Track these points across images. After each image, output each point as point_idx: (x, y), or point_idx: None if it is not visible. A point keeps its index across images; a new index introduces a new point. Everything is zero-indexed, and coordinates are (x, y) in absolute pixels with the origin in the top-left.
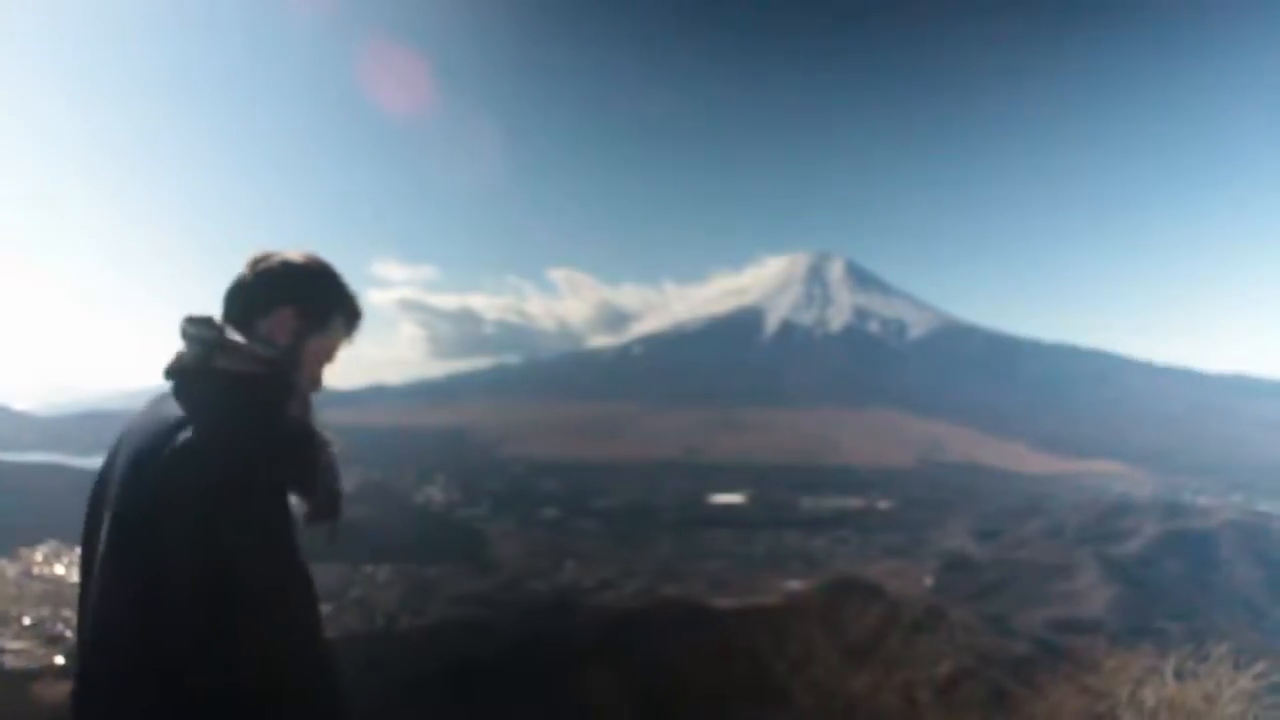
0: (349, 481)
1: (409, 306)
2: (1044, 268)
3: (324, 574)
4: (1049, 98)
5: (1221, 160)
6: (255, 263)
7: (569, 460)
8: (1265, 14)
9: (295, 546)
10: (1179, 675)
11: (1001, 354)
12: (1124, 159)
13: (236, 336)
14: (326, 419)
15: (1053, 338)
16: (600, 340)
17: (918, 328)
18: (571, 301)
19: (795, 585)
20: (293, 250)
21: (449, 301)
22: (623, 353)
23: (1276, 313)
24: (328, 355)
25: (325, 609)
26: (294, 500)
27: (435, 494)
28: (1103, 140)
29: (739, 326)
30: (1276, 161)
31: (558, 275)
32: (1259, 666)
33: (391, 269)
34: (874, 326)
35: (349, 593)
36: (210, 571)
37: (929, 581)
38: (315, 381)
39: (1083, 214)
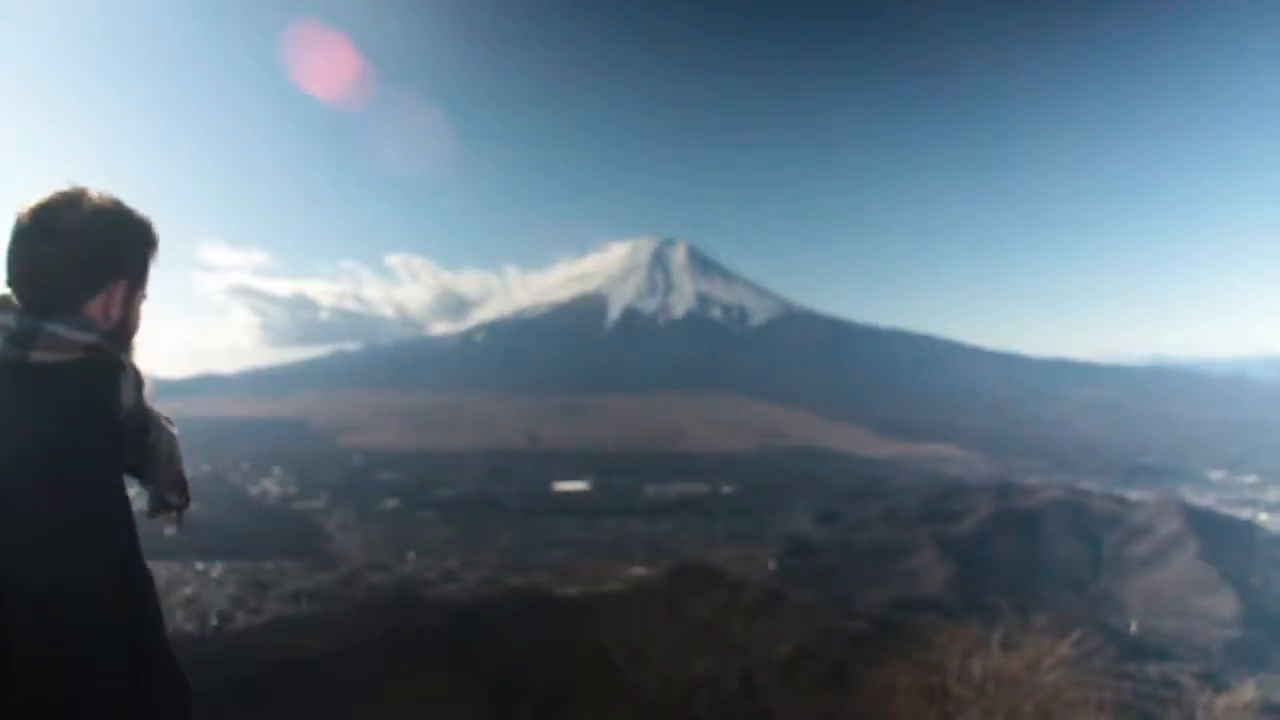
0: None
1: (240, 292)
2: (877, 255)
3: (152, 572)
4: (883, 81)
5: (1039, 149)
6: (54, 229)
7: (410, 450)
8: None
9: (136, 544)
10: (1005, 646)
11: (840, 340)
12: (949, 144)
13: (57, 326)
14: (155, 408)
15: (887, 324)
16: (441, 327)
17: (759, 314)
18: (411, 287)
19: (639, 571)
20: (85, 197)
21: (283, 287)
22: (464, 340)
23: (1092, 298)
24: (142, 302)
25: None
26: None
27: (271, 486)
28: (929, 125)
29: (582, 313)
30: (1094, 152)
31: (396, 260)
32: (1076, 634)
33: (220, 253)
34: (716, 313)
35: (180, 591)
36: (49, 580)
37: (772, 565)
38: (135, 330)
39: (913, 202)
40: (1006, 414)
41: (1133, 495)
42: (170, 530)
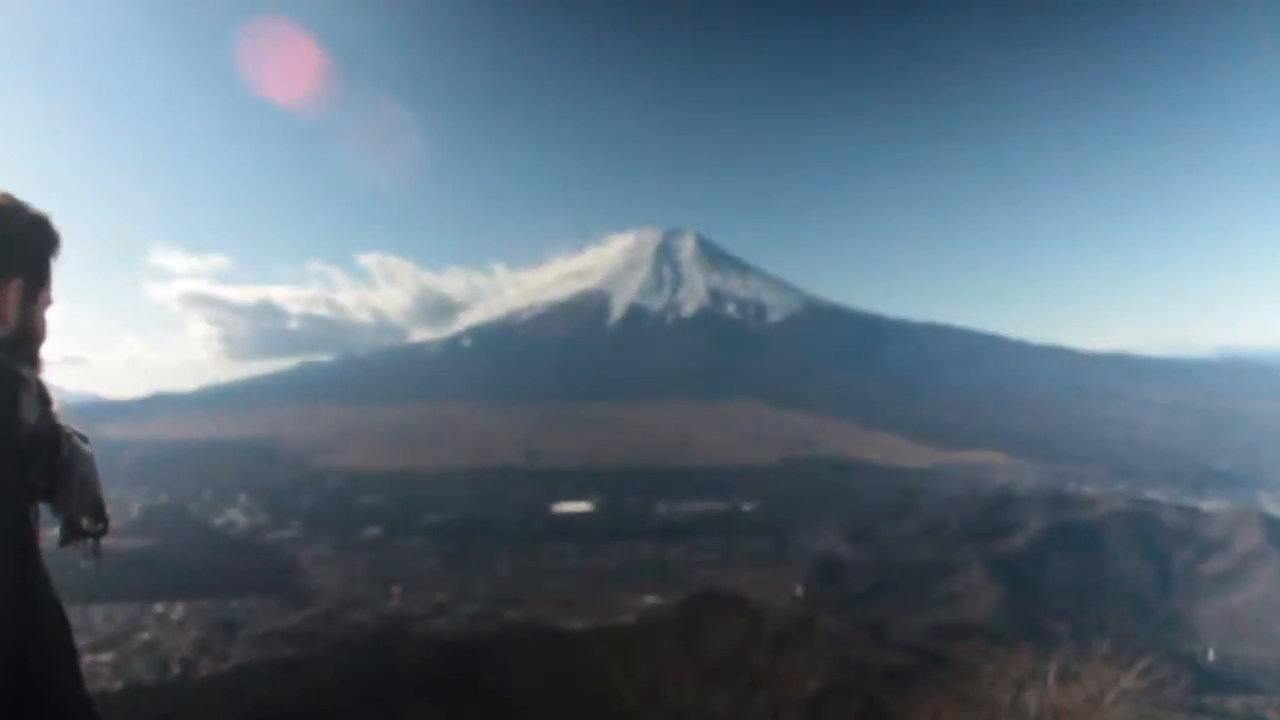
0: (134, 505)
1: (196, 301)
2: (911, 242)
3: (105, 616)
4: (918, 56)
5: (1104, 128)
6: None
7: (392, 471)
8: None
9: (37, 579)
10: (1063, 678)
11: (870, 337)
12: (987, 117)
13: None
14: (104, 433)
15: (922, 318)
16: (424, 333)
17: (779, 310)
18: (388, 290)
19: (651, 601)
20: None
21: (244, 294)
22: (450, 346)
23: (1158, 289)
24: (47, 306)
25: (106, 657)
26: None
27: (237, 516)
28: (976, 102)
29: (581, 313)
30: (1155, 127)
31: (369, 261)
32: (1144, 664)
33: (173, 258)
34: (731, 309)
35: (136, 637)
36: None
37: (798, 590)
38: (40, 339)
39: (949, 182)
40: (1059, 416)
41: (1205, 505)
42: (87, 562)
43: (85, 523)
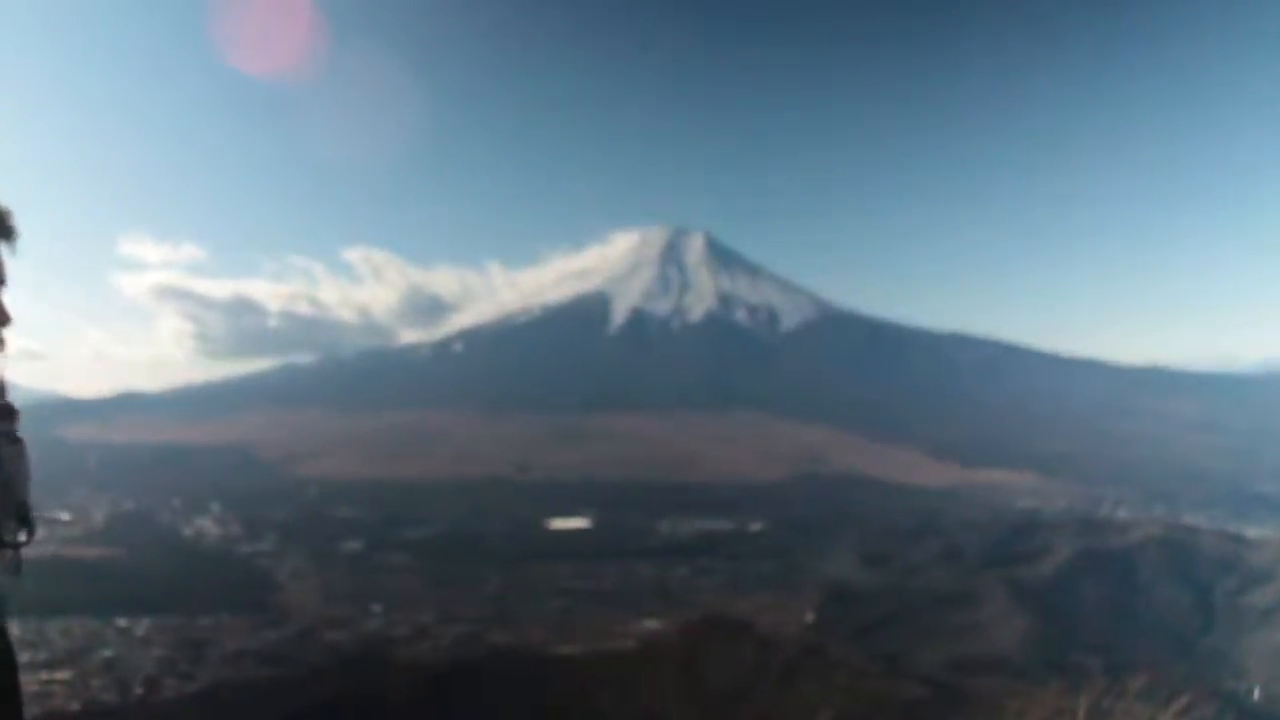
0: (98, 512)
1: (169, 294)
2: (934, 244)
3: (62, 631)
4: (946, 50)
5: (1134, 137)
6: None
7: (375, 481)
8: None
9: None
10: (1094, 715)
11: (888, 346)
12: (1013, 116)
13: None
14: (66, 434)
15: (944, 327)
16: (412, 335)
17: (792, 316)
18: (374, 287)
19: (651, 625)
20: None
21: (221, 288)
22: (440, 350)
23: (1198, 298)
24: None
25: (62, 675)
26: None
27: (208, 527)
28: (1004, 97)
29: (581, 317)
30: (1195, 144)
31: (355, 255)
32: (1182, 701)
33: (144, 248)
34: (741, 315)
35: (96, 654)
36: None
37: (809, 616)
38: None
39: (975, 184)
40: (1090, 433)
41: (1249, 532)
42: (8, 575)
43: (7, 531)
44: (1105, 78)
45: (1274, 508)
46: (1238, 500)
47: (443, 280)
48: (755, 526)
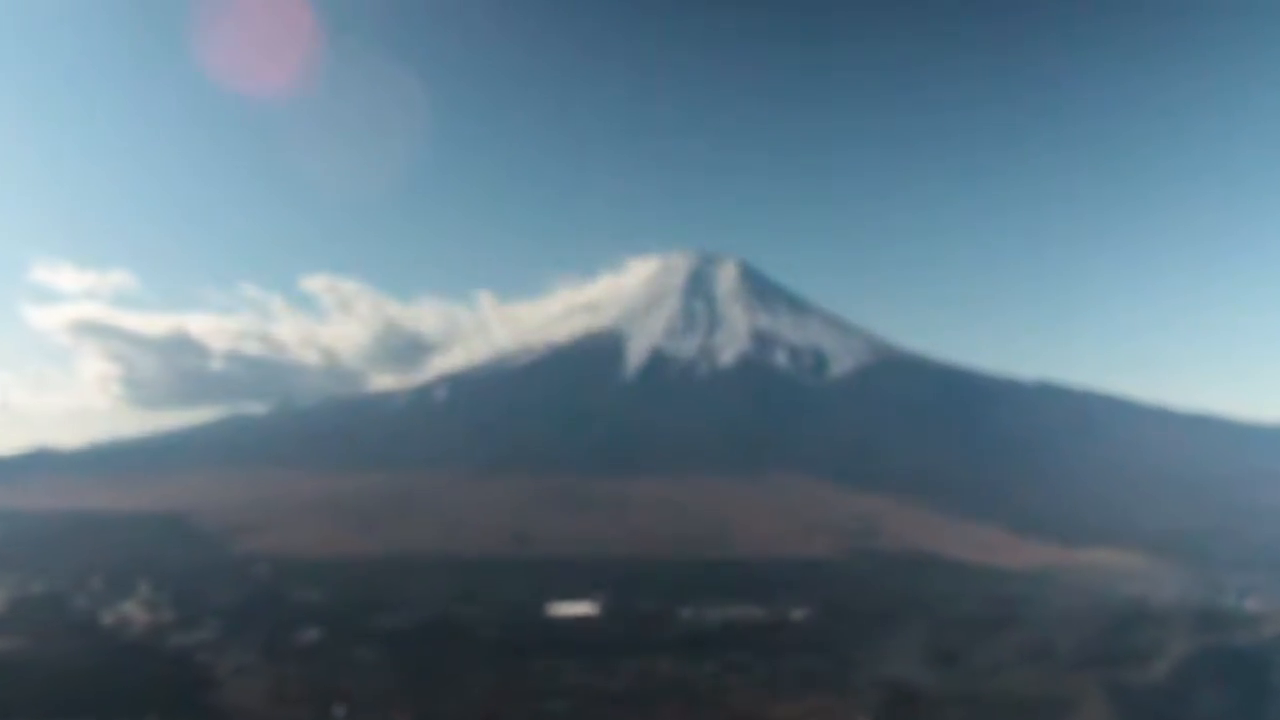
0: None
1: (91, 330)
2: (1018, 278)
3: None
4: (1046, 65)
5: (1243, 164)
6: None
7: (340, 557)
8: None
9: None
10: None
11: (961, 398)
12: (1125, 139)
13: None
14: None
15: (1030, 375)
16: (386, 380)
17: (843, 360)
18: (342, 323)
19: None
20: None
21: (154, 324)
22: (419, 398)
23: None
24: None
25: None
26: None
27: (135, 613)
28: (1094, 129)
29: (589, 358)
30: None
31: (318, 285)
32: None
33: (61, 275)
34: (781, 358)
35: None
36: None
37: None
38: None
39: (1067, 209)
40: (1212, 505)
41: None
42: None
43: None
44: (1240, 101)
45: None
46: None
47: (424, 315)
48: (797, 614)
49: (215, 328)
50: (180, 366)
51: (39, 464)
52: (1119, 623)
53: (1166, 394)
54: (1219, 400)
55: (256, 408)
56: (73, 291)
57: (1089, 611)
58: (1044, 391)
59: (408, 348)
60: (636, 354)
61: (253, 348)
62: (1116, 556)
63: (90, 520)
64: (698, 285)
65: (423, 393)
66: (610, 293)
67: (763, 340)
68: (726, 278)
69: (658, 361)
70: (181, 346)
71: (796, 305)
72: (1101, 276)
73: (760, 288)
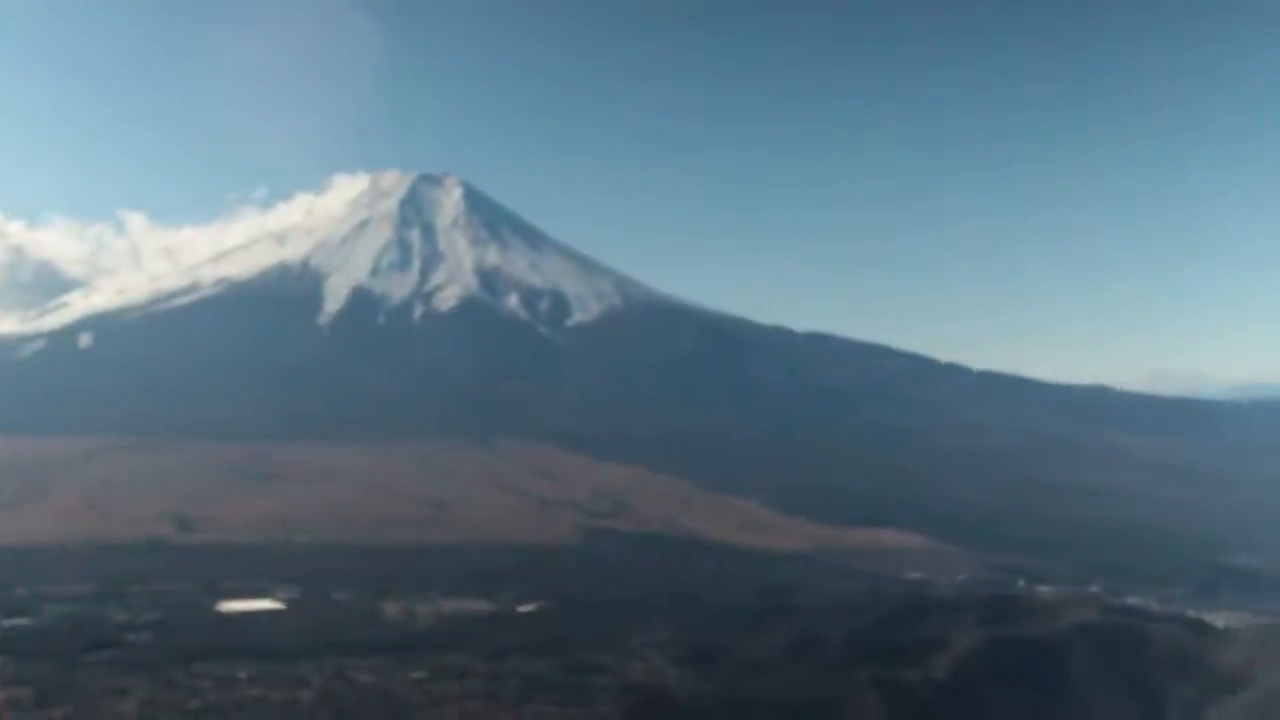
0: None
1: None
2: (789, 219)
3: None
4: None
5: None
6: None
7: None
8: None
9: None
10: None
11: (725, 350)
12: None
13: None
14: None
15: (802, 325)
16: (10, 323)
17: (587, 305)
18: None
19: None
20: None
21: None
22: (56, 345)
23: (1148, 307)
24: None
25: None
26: None
27: None
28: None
29: (275, 299)
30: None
31: None
32: None
33: None
34: (513, 302)
35: None
36: None
37: None
38: None
39: (844, 143)
40: (1002, 480)
41: (1217, 618)
42: None
43: None
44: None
45: (1248, 586)
46: (1203, 574)
47: (57, 239)
48: (527, 608)
49: None
50: None
51: None
52: (897, 613)
53: (961, 353)
54: (1017, 360)
55: None
56: None
57: (864, 600)
58: (818, 342)
59: (37, 281)
60: (335, 294)
61: None
62: (896, 537)
63: None
64: (413, 211)
65: (60, 337)
66: (305, 218)
67: (491, 280)
68: (448, 202)
69: (361, 303)
70: None
71: (532, 237)
72: (887, 219)
73: (489, 216)
